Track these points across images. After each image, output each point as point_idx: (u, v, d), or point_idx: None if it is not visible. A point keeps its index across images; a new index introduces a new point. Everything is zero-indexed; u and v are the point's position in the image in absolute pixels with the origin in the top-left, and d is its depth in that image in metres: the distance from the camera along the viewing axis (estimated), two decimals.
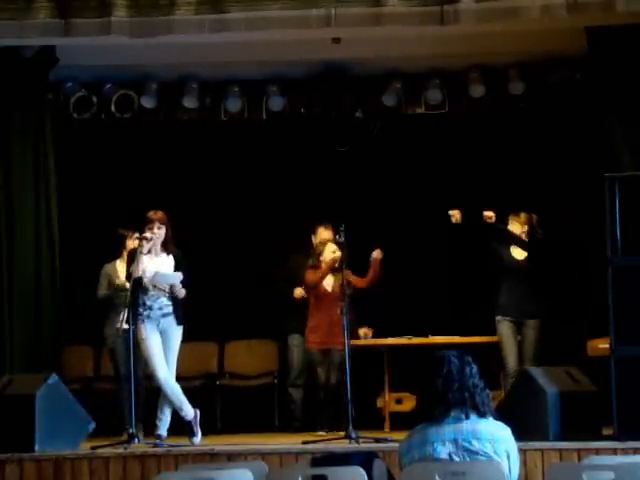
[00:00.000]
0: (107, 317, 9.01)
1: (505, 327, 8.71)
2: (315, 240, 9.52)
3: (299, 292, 9.41)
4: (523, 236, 8.84)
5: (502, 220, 8.91)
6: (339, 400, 8.77)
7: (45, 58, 9.36)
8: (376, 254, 9.14)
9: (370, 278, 9.12)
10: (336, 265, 8.98)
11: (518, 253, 8.85)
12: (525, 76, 9.90)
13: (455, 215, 8.76)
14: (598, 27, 8.78)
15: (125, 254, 8.83)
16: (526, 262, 8.79)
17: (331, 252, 9.09)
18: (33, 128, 9.46)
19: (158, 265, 8.00)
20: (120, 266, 8.99)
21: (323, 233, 9.47)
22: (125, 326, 8.04)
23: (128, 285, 8.51)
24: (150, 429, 8.19)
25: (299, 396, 9.72)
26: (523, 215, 8.87)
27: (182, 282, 7.96)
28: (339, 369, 8.91)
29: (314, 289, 9.15)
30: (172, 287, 7.96)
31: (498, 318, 8.74)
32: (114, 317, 8.76)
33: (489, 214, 8.73)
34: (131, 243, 8.84)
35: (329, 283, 9.15)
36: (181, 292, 7.97)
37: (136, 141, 10.56)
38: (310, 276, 9.16)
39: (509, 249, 8.85)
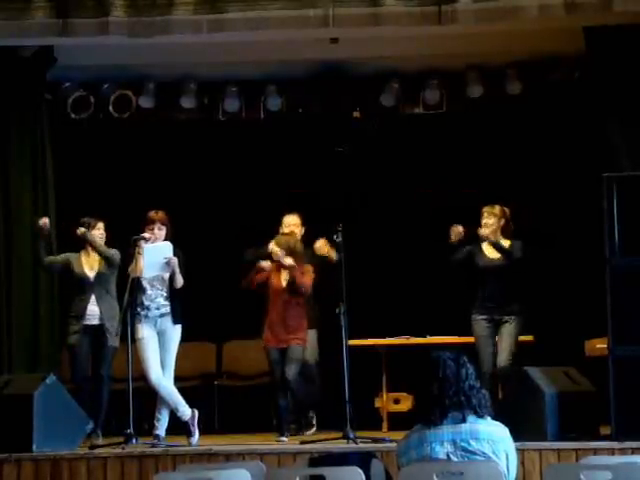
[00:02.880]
0: (69, 311, 8.71)
1: (480, 327, 8.50)
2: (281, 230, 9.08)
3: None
4: (498, 233, 8.70)
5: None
6: (294, 398, 8.57)
7: (43, 58, 9.37)
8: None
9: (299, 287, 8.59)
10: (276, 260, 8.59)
11: (492, 252, 8.66)
12: (523, 76, 9.89)
13: (456, 230, 8.52)
14: (596, 27, 8.78)
15: (89, 246, 8.64)
16: (501, 261, 8.59)
17: (272, 244, 8.63)
18: (31, 128, 9.47)
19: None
20: (84, 257, 8.68)
21: (286, 220, 9.06)
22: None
23: (89, 275, 8.52)
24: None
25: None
26: (498, 207, 8.64)
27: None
28: (296, 364, 8.53)
29: (266, 285, 8.66)
30: (171, 275, 7.98)
31: (473, 317, 8.54)
32: (76, 311, 8.58)
33: (459, 230, 8.50)
34: (95, 232, 8.65)
35: (285, 278, 8.65)
36: (179, 280, 7.98)
37: (134, 141, 10.55)
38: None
39: (482, 249, 8.65)
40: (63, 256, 8.77)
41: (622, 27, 8.66)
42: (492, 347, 8.47)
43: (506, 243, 8.62)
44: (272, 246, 8.65)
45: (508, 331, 8.45)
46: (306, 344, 8.70)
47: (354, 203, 10.35)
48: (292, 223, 9.08)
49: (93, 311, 8.54)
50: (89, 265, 8.67)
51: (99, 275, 8.61)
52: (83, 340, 8.53)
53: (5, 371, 8.84)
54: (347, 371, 8.04)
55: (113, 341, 8.46)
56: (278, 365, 8.56)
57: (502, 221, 8.64)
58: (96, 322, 8.53)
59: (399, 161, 10.55)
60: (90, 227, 8.66)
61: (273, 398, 8.69)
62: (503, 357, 8.39)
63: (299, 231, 9.06)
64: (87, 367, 8.54)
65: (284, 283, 8.65)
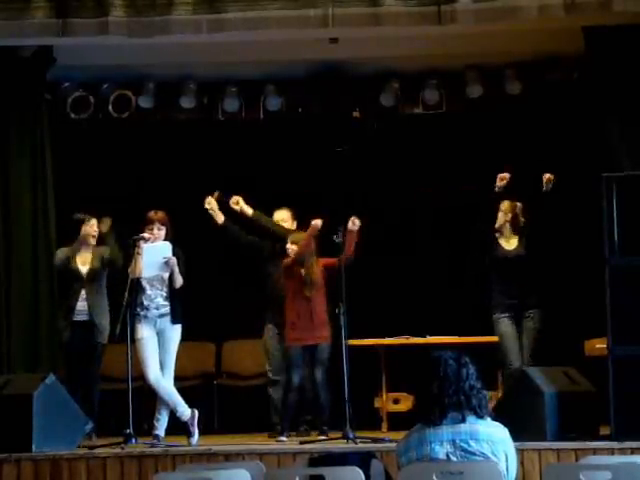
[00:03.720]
0: (59, 307, 8.72)
1: (504, 324, 8.50)
2: None
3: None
4: (507, 225, 8.77)
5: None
6: (318, 400, 8.55)
7: (42, 58, 9.37)
8: (351, 225, 8.31)
9: (345, 253, 8.30)
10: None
11: (508, 243, 8.72)
12: (522, 76, 9.89)
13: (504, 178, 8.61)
14: (595, 27, 8.79)
15: (80, 241, 8.63)
16: (518, 250, 8.66)
17: (289, 244, 8.61)
18: (30, 128, 9.47)
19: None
20: (76, 252, 8.66)
21: (276, 215, 9.11)
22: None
23: (81, 270, 8.49)
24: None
25: (278, 396, 8.82)
26: (507, 203, 8.74)
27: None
28: (324, 366, 8.52)
29: (288, 279, 8.59)
30: (171, 275, 7.99)
31: (495, 316, 8.56)
32: (66, 306, 8.57)
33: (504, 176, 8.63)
34: (88, 228, 8.63)
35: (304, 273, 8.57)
36: (179, 280, 7.99)
37: (133, 141, 10.55)
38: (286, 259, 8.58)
39: (498, 240, 8.71)
40: (66, 250, 8.70)
41: (621, 27, 8.66)
42: (519, 343, 8.49)
43: (514, 238, 8.69)
44: (289, 245, 8.64)
45: (530, 328, 8.50)
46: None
47: (354, 203, 10.34)
48: (281, 218, 9.13)
49: (83, 307, 8.53)
50: (81, 260, 8.64)
51: (91, 271, 8.59)
52: (73, 338, 8.54)
53: (5, 371, 8.84)
54: (347, 371, 8.04)
55: (102, 338, 8.47)
56: (299, 367, 8.51)
57: (509, 216, 8.71)
58: (85, 318, 8.51)
59: (399, 161, 10.54)
60: (83, 224, 8.63)
61: (283, 397, 8.65)
62: (526, 357, 8.42)
63: (289, 225, 9.10)
64: (79, 365, 8.53)
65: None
